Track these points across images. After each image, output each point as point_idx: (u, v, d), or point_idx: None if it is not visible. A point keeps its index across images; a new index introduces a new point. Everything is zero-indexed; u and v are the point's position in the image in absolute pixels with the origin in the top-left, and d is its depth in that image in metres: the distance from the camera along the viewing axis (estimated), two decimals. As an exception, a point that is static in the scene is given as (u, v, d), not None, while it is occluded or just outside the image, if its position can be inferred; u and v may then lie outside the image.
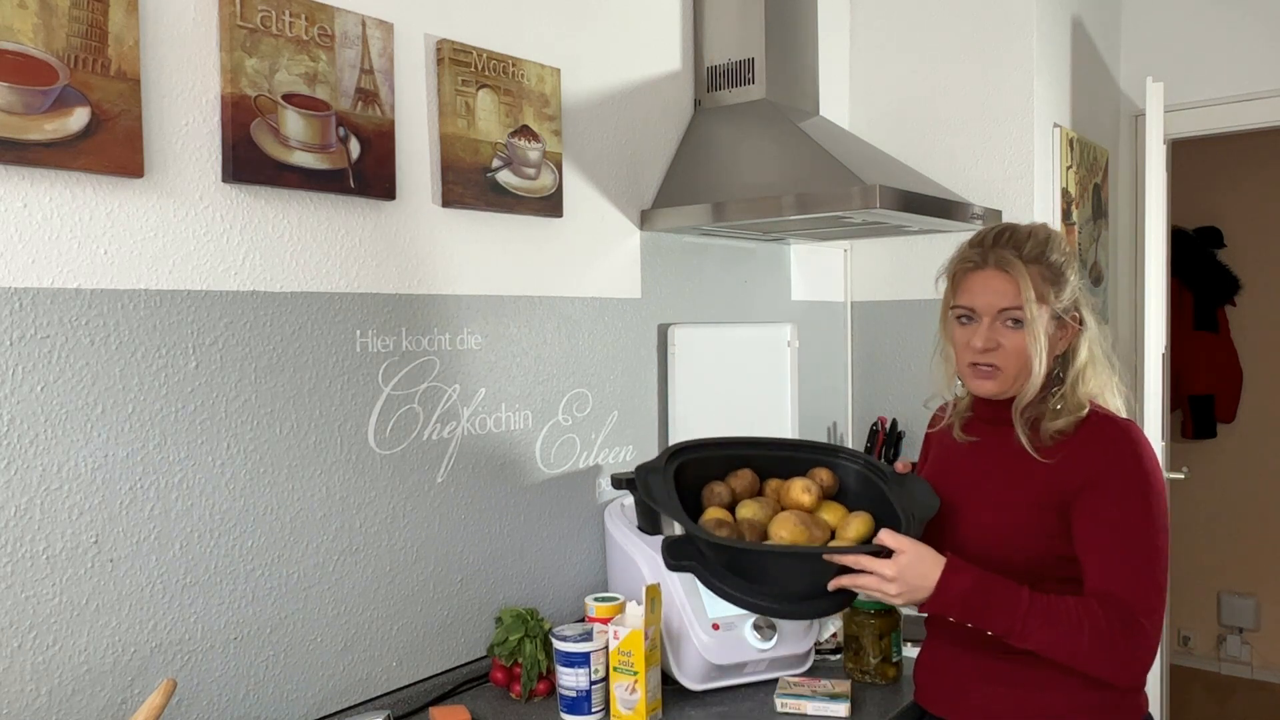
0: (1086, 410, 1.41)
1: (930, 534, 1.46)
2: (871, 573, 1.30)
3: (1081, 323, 1.44)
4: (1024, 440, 1.41)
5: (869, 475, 1.51)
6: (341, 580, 1.61)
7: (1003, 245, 1.42)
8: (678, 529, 1.37)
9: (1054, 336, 1.42)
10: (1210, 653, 4.48)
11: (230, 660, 1.47)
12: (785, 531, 1.37)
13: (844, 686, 1.69)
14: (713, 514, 1.41)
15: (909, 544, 1.32)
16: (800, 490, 1.42)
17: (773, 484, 1.43)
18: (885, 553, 1.32)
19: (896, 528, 1.37)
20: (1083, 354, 1.43)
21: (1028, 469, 1.41)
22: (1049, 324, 1.41)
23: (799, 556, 1.34)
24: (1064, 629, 1.29)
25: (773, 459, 1.47)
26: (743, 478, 1.42)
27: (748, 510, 1.38)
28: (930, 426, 1.68)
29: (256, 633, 1.50)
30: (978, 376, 1.44)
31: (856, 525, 1.41)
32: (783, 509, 1.42)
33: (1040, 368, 1.39)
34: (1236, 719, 4.06)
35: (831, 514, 1.42)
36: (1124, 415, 1.45)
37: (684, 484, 1.38)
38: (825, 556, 1.31)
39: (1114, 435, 1.39)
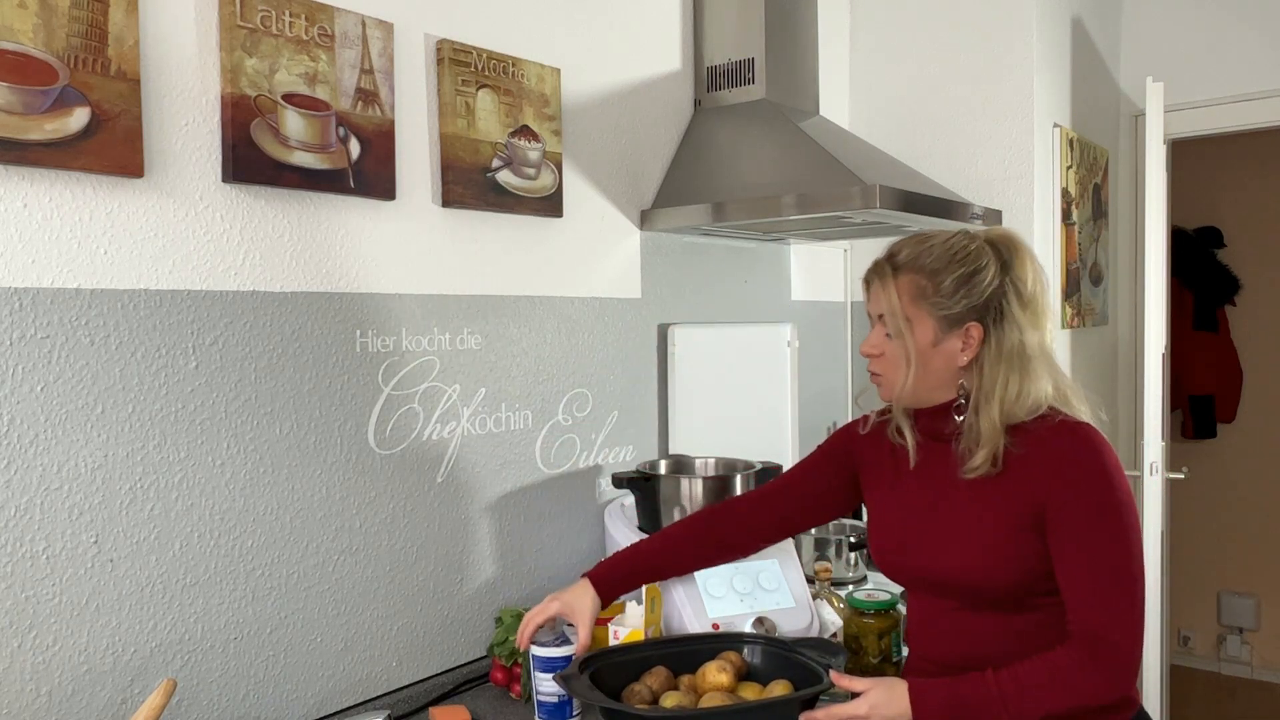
0: (1003, 441, 1.33)
1: (900, 572, 1.47)
2: (850, 718, 1.30)
3: (986, 336, 1.35)
4: (963, 455, 1.37)
5: (769, 648, 1.53)
6: (341, 580, 1.61)
7: (885, 256, 1.42)
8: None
9: (948, 347, 1.36)
10: (1210, 653, 4.49)
11: (230, 660, 1.47)
12: None
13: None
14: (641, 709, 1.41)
15: (869, 680, 1.32)
16: (716, 671, 1.44)
17: (685, 679, 1.47)
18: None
19: (815, 684, 1.36)
20: (986, 372, 1.35)
21: (989, 489, 1.35)
22: (934, 333, 1.36)
23: (770, 709, 1.35)
24: (1037, 690, 1.26)
25: (678, 654, 1.51)
26: (658, 675, 1.46)
27: (672, 701, 1.40)
28: (856, 429, 1.60)
29: (256, 633, 1.50)
30: (873, 383, 1.46)
31: (778, 693, 1.41)
32: (701, 695, 1.43)
33: (908, 377, 1.37)
34: (1236, 719, 4.06)
35: (749, 692, 1.44)
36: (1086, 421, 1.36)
37: (602, 689, 1.40)
38: (803, 716, 1.31)
39: (1075, 448, 1.32)
